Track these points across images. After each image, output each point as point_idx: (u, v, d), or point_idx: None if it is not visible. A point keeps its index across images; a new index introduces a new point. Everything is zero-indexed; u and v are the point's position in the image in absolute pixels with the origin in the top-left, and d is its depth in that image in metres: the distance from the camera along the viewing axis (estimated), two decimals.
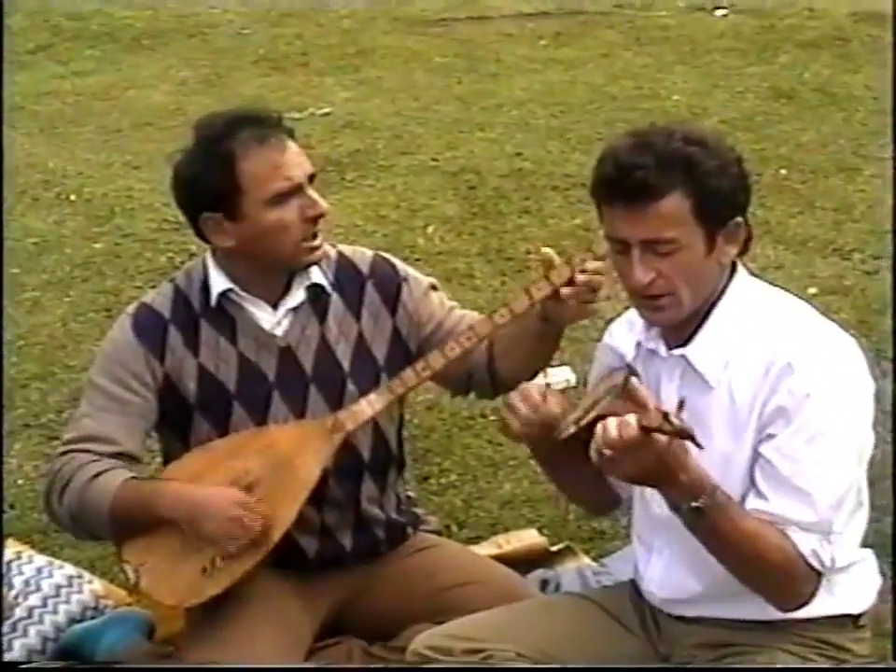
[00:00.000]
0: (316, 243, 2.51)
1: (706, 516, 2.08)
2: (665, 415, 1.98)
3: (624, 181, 2.11)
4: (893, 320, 4.06)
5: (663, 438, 1.99)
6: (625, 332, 2.35)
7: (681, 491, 2.08)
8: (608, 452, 2.02)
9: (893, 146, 5.39)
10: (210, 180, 2.46)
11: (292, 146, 2.50)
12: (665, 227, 2.12)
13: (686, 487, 2.07)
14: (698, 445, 2.01)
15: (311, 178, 2.51)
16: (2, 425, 3.59)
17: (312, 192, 2.49)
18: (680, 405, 2.08)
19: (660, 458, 2.01)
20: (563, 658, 2.28)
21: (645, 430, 1.99)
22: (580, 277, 2.40)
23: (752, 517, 2.12)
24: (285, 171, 2.46)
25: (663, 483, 2.09)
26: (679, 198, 2.12)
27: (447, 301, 2.70)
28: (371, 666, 2.63)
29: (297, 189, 2.47)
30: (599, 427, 2.04)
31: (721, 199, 2.14)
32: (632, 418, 2.00)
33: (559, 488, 2.53)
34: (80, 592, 2.91)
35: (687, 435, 1.98)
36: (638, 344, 2.30)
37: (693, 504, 2.07)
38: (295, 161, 2.48)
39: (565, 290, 2.41)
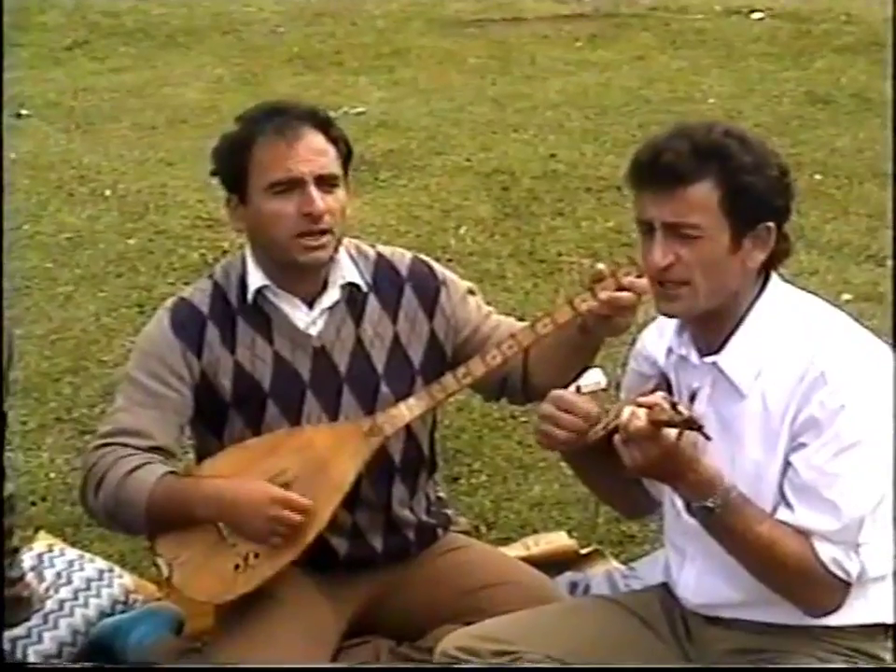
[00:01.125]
0: (315, 243, 2.48)
1: (717, 516, 2.09)
2: (674, 405, 1.99)
3: (656, 163, 2.12)
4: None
5: (672, 433, 2.00)
6: (656, 339, 2.35)
7: (691, 489, 2.09)
8: (617, 438, 2.04)
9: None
10: (227, 162, 2.53)
11: (312, 141, 2.48)
12: (690, 212, 2.12)
13: (695, 486, 2.08)
14: (706, 437, 2.02)
15: (324, 178, 2.48)
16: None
17: (312, 190, 2.46)
18: (692, 397, 2.10)
19: (667, 453, 2.02)
20: (591, 661, 2.27)
21: (654, 424, 2.00)
22: (618, 294, 2.38)
23: (770, 521, 2.12)
24: (288, 163, 2.46)
25: (671, 478, 2.10)
26: (708, 187, 2.11)
27: (484, 305, 2.69)
28: (385, 666, 2.62)
29: (296, 183, 2.46)
30: (612, 412, 2.08)
31: (753, 197, 2.13)
32: (642, 411, 2.01)
33: (593, 492, 2.53)
34: (111, 586, 2.93)
35: (696, 425, 1.99)
36: (669, 350, 2.29)
37: (704, 503, 2.08)
38: (304, 155, 2.46)
39: (594, 305, 2.39)
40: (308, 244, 2.48)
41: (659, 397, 2.03)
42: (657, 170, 2.12)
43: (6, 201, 4.77)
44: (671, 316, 2.24)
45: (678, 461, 2.05)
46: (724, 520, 2.09)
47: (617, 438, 2.07)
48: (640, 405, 2.03)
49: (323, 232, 2.48)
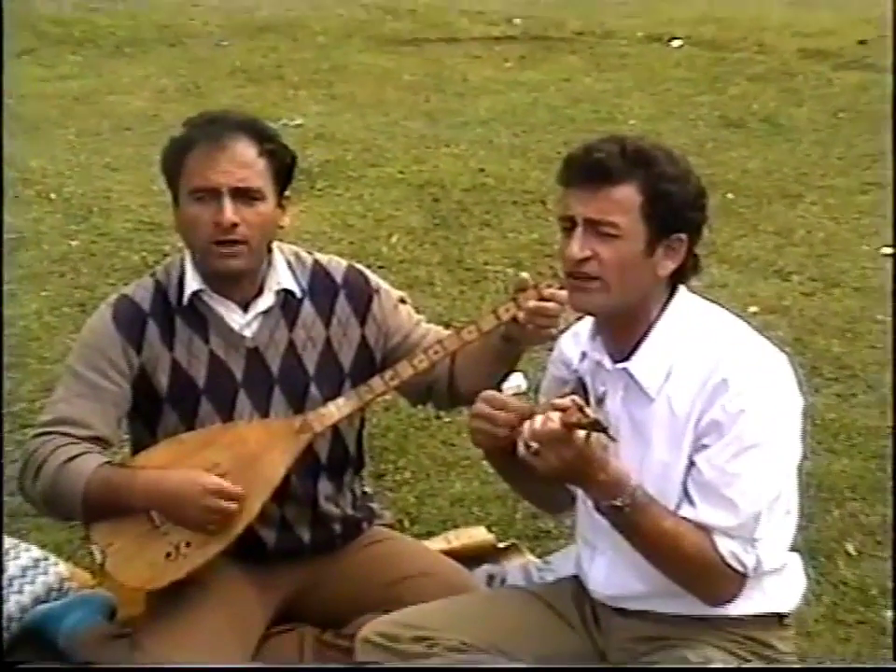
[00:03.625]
0: (228, 251, 2.49)
1: (625, 514, 2.16)
2: (581, 408, 2.06)
3: (585, 160, 2.20)
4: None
5: (582, 434, 2.07)
6: (571, 344, 2.42)
7: (601, 489, 2.16)
8: (533, 444, 2.10)
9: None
10: (167, 163, 2.57)
11: (238, 152, 2.49)
12: (613, 211, 2.18)
13: (605, 486, 2.15)
14: (612, 438, 2.11)
15: (242, 191, 2.49)
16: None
17: (226, 201, 2.47)
18: (599, 401, 2.18)
19: (579, 454, 2.09)
20: (505, 648, 2.34)
21: (566, 426, 2.07)
22: (540, 304, 2.44)
23: (673, 518, 2.20)
24: (208, 172, 2.48)
25: (582, 479, 2.17)
26: (632, 190, 2.18)
27: (414, 314, 2.74)
28: (339, 666, 2.64)
29: (213, 192, 2.48)
30: (527, 422, 2.12)
31: (671, 206, 2.20)
32: (555, 414, 2.08)
33: (517, 491, 2.59)
34: (45, 573, 2.95)
35: (600, 427, 2.07)
36: (584, 355, 2.36)
37: (613, 503, 2.16)
38: (224, 167, 2.48)
39: (520, 315, 2.46)
40: (221, 251, 2.50)
41: (569, 400, 2.10)
42: (587, 166, 2.19)
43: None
44: (585, 312, 2.31)
45: (588, 463, 2.12)
46: (631, 518, 2.16)
47: (521, 446, 2.13)
48: (555, 408, 2.10)
49: (236, 242, 2.50)
